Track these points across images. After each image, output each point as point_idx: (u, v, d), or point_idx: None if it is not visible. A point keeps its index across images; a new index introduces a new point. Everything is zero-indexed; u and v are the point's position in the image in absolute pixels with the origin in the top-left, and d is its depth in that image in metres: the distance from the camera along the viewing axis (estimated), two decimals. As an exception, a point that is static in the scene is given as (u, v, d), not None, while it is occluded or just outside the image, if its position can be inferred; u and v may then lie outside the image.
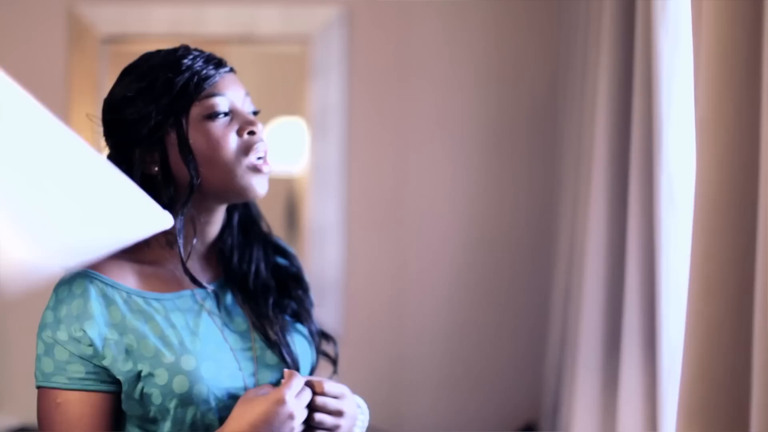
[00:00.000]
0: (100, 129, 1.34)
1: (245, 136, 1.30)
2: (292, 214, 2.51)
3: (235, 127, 1.31)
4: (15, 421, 2.45)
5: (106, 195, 1.02)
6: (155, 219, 1.08)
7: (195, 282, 1.31)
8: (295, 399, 1.26)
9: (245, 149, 1.30)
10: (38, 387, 1.28)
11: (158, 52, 1.33)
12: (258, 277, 1.42)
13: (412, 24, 2.46)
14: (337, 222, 2.46)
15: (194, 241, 1.33)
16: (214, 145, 1.29)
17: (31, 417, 2.40)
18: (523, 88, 2.45)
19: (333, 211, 2.46)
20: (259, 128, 1.32)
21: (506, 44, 2.45)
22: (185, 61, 1.30)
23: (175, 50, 1.33)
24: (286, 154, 2.49)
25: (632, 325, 1.50)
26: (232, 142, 1.30)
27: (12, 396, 2.50)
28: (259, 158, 1.31)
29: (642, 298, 1.49)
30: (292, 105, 2.50)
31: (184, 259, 1.30)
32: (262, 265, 1.44)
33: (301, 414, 1.27)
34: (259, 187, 1.32)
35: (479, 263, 2.47)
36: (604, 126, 1.68)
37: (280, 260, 1.48)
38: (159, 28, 2.45)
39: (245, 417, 1.24)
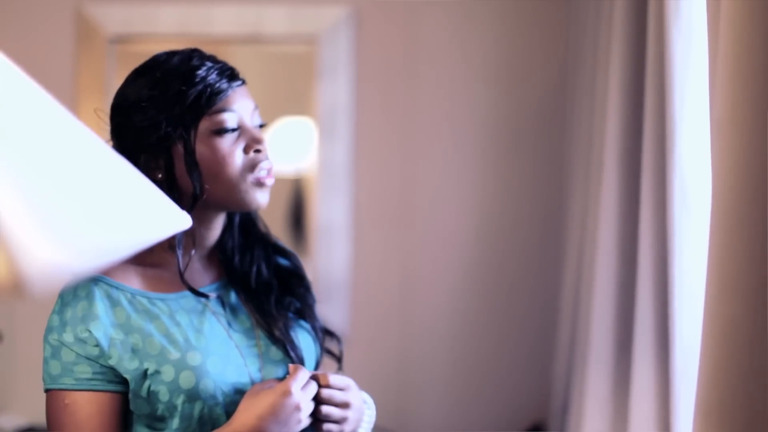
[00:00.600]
0: (107, 126, 1.35)
1: (251, 153, 1.32)
2: (298, 213, 2.50)
3: (242, 144, 1.32)
4: (23, 421, 2.45)
5: (128, 195, 1.02)
6: (174, 219, 1.09)
7: (195, 293, 1.32)
8: (301, 391, 1.27)
9: (251, 167, 1.32)
10: (46, 390, 1.28)
11: (172, 56, 1.33)
12: (260, 276, 1.44)
13: (420, 24, 2.45)
14: (344, 221, 2.46)
15: (192, 252, 1.34)
16: (220, 161, 1.30)
17: (38, 417, 2.41)
18: (532, 88, 2.44)
19: (340, 210, 2.46)
20: (264, 146, 1.33)
21: (515, 44, 2.44)
22: (199, 72, 1.31)
23: (189, 57, 1.33)
24: (293, 153, 2.49)
25: (645, 324, 1.49)
26: (237, 159, 1.31)
27: (20, 396, 2.50)
28: (262, 172, 1.33)
29: (655, 298, 1.48)
30: (299, 105, 2.50)
31: (182, 269, 1.31)
32: (263, 265, 1.46)
33: (308, 406, 1.28)
34: (261, 199, 1.34)
35: (487, 262, 2.46)
36: (616, 125, 1.67)
37: (281, 260, 1.49)
38: (166, 28, 2.45)
39: (252, 410, 1.26)
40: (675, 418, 1.39)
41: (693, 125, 1.37)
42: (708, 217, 1.13)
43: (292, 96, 2.54)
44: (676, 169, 1.39)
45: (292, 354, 1.37)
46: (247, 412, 1.26)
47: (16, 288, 0.86)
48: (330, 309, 2.41)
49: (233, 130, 1.32)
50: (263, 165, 1.33)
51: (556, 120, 2.42)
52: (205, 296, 1.34)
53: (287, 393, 1.26)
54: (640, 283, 1.53)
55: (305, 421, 1.29)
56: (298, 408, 1.26)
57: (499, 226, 2.46)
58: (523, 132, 2.45)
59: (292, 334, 1.40)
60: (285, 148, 2.48)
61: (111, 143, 1.35)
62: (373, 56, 2.47)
